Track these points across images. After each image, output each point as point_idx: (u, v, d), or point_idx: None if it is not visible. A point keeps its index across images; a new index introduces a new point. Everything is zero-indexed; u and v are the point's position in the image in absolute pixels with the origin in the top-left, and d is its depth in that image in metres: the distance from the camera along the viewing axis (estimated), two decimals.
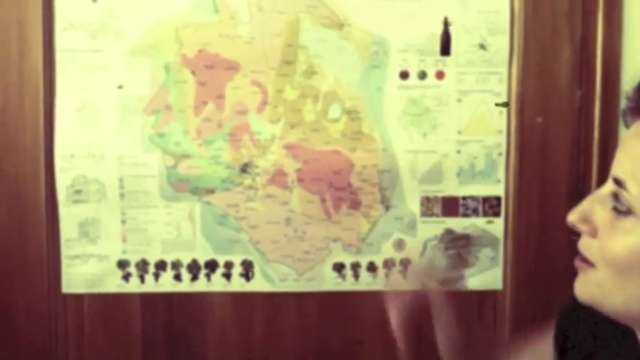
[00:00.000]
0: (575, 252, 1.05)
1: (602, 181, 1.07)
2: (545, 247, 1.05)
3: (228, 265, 1.04)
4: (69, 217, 1.02)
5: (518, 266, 1.06)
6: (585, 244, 0.60)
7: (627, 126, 0.61)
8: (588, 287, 0.61)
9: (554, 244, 1.05)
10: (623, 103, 0.63)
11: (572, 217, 0.61)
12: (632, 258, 0.55)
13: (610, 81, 1.03)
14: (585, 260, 0.60)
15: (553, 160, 1.04)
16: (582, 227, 0.60)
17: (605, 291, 0.58)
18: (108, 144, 1.01)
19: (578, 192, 1.04)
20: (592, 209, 0.60)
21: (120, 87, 1.00)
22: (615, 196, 0.57)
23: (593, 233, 0.59)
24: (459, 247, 1.05)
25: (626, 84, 1.03)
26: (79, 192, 1.02)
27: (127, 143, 1.01)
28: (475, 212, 1.05)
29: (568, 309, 0.79)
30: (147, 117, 1.01)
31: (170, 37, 1.00)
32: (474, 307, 1.08)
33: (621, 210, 0.56)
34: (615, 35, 1.02)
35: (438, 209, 1.04)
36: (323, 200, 1.03)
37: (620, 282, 0.57)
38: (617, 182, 0.57)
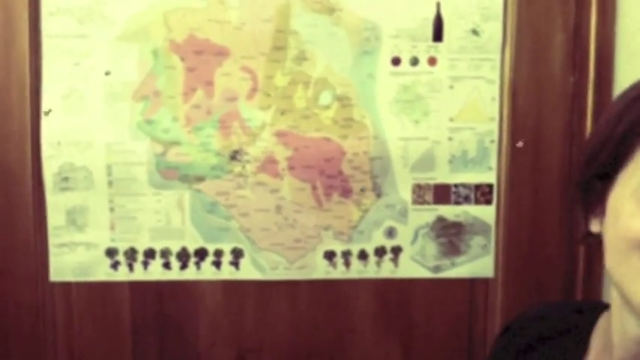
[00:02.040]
0: (568, 241, 1.05)
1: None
2: (537, 234, 1.05)
3: (218, 254, 1.03)
4: (56, 205, 1.01)
5: (509, 254, 1.05)
6: None
7: None
8: None
9: (546, 231, 1.05)
10: None
11: None
12: None
13: (603, 68, 1.02)
14: None
15: (545, 148, 1.04)
16: None
17: None
18: (95, 131, 1.00)
19: (571, 179, 1.04)
20: None
21: (107, 73, 0.99)
22: None
23: None
24: (451, 234, 1.04)
25: (620, 71, 1.03)
26: (66, 179, 1.00)
27: (115, 130, 1.00)
28: (467, 200, 1.04)
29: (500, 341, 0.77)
30: (135, 103, 0.99)
31: (158, 22, 0.98)
32: (466, 294, 1.07)
33: None
34: (609, 22, 1.01)
35: (429, 197, 1.03)
36: (314, 188, 1.03)
37: None
38: None
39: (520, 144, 1.00)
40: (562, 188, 1.05)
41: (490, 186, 1.04)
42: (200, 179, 1.01)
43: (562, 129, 1.03)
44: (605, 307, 0.69)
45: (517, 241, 1.05)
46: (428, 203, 1.04)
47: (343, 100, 1.01)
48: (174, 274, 1.04)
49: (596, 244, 0.62)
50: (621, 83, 1.02)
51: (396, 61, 1.01)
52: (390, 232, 1.04)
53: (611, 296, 0.61)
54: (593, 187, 0.59)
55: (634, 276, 0.53)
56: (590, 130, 1.02)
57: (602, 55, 1.01)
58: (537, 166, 1.04)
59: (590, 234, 0.61)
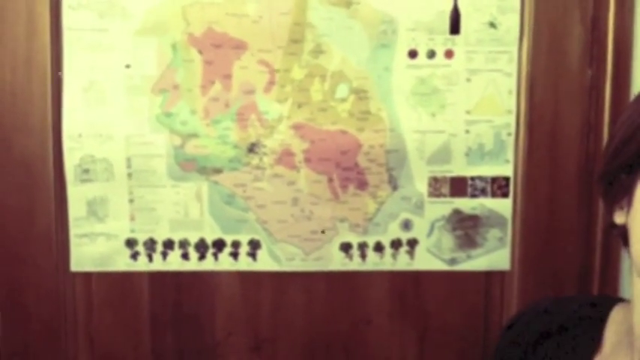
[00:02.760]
0: (585, 233, 1.05)
1: None
2: (553, 227, 1.05)
3: (236, 245, 1.05)
4: (77, 196, 1.03)
5: (526, 247, 1.05)
6: None
7: None
8: None
9: (563, 224, 1.05)
10: None
11: None
12: None
13: (621, 61, 1.01)
14: None
15: (563, 141, 1.03)
16: None
17: None
18: (115, 124, 1.01)
19: (588, 172, 1.04)
20: None
21: (127, 66, 1.00)
22: None
23: None
24: (467, 227, 1.05)
25: (638, 64, 1.02)
26: (86, 171, 1.02)
27: (135, 123, 1.01)
28: (483, 192, 1.04)
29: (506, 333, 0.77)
30: (154, 97, 1.01)
31: (177, 16, 0.99)
32: (482, 287, 1.08)
33: None
34: (627, 14, 1.01)
35: (445, 189, 1.04)
36: (330, 180, 1.03)
37: None
38: None
39: None
40: (579, 181, 1.04)
41: (507, 179, 1.04)
42: (218, 171, 1.03)
43: (579, 122, 1.03)
44: (616, 300, 0.69)
45: (533, 234, 1.05)
46: (444, 196, 1.04)
47: (360, 93, 1.01)
48: (193, 264, 1.05)
49: (616, 235, 0.62)
50: (639, 76, 1.02)
51: (412, 54, 1.01)
52: (406, 225, 1.05)
53: (635, 287, 0.61)
54: (618, 179, 0.59)
55: None
56: (614, 123, 1.01)
57: (620, 48, 1.01)
58: (554, 159, 1.04)
59: (613, 225, 0.61)
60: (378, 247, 1.05)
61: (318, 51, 1.01)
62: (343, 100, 1.02)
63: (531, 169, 1.04)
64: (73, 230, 1.04)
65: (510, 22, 1.01)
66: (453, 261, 1.06)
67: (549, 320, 0.71)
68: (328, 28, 1.00)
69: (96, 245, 1.04)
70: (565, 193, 1.04)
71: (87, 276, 1.06)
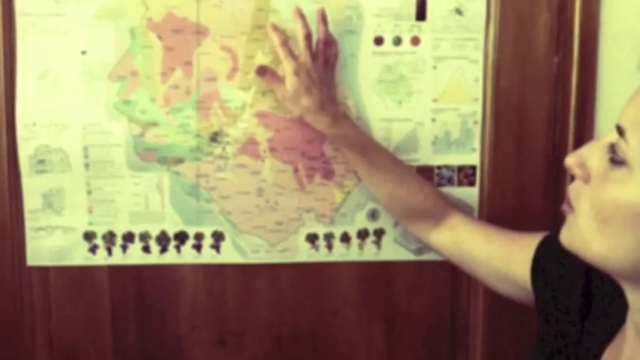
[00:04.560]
0: (552, 221, 1.05)
1: (578, 148, 1.06)
2: (520, 215, 1.04)
3: (199, 237, 1.02)
4: (32, 187, 0.99)
5: None
6: (576, 189, 0.60)
7: None
8: (571, 232, 0.60)
9: (530, 212, 1.04)
10: None
11: (570, 160, 0.60)
12: (616, 210, 0.55)
13: (588, 48, 1.01)
14: (570, 204, 0.60)
15: (529, 129, 1.03)
16: (577, 171, 0.59)
17: (586, 238, 0.58)
18: (71, 112, 0.97)
19: (555, 160, 1.03)
20: (590, 155, 0.59)
21: (83, 52, 0.96)
22: (612, 146, 0.56)
23: (586, 179, 0.58)
24: None
25: (604, 51, 1.02)
26: (42, 162, 0.98)
27: (92, 111, 0.97)
28: (450, 181, 1.03)
29: (550, 243, 0.79)
30: (112, 84, 0.97)
31: (136, 1, 0.95)
32: (448, 276, 1.07)
33: (616, 160, 0.55)
34: (593, 1, 1.00)
35: None
36: (295, 170, 1.01)
37: (601, 232, 0.56)
38: (619, 131, 0.56)
39: None
40: (546, 169, 1.04)
41: (473, 167, 1.03)
42: (179, 161, 1.00)
43: (546, 109, 1.03)
44: None
45: (500, 223, 1.03)
46: None
47: None
48: (154, 258, 1.02)
49: None
50: (605, 64, 1.02)
51: (378, 41, 0.99)
52: (373, 215, 1.03)
53: None
54: None
55: None
56: (580, 110, 1.01)
57: (587, 35, 1.00)
58: (521, 148, 1.03)
59: None
60: (345, 238, 1.04)
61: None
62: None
63: (498, 158, 1.03)
64: (29, 223, 1.00)
65: (477, 9, 0.99)
66: (419, 251, 1.05)
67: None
68: (292, 14, 0.97)
69: (53, 239, 1.00)
70: (532, 181, 1.04)
71: (44, 270, 1.02)
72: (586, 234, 0.58)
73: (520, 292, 0.83)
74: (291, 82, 0.92)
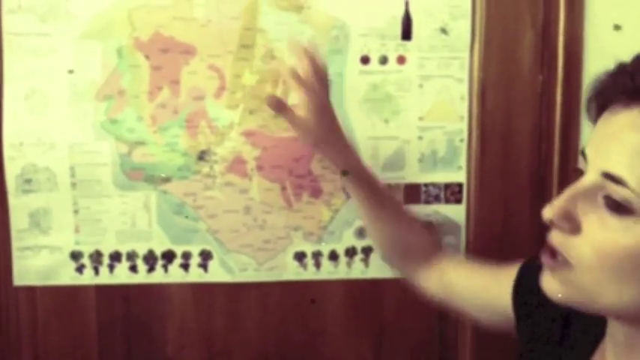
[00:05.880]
0: (538, 239, 1.05)
1: (563, 167, 1.07)
2: (507, 233, 1.05)
3: (186, 256, 1.02)
4: (19, 207, 0.98)
5: (480, 252, 1.05)
6: (562, 242, 0.55)
7: (598, 113, 0.58)
8: (566, 287, 0.56)
9: (517, 230, 1.05)
10: (589, 92, 0.60)
11: (550, 213, 0.55)
12: (628, 257, 0.51)
13: (572, 66, 1.02)
14: (554, 256, 0.56)
15: (515, 146, 1.04)
16: (562, 224, 0.54)
17: (594, 292, 0.54)
18: (58, 131, 0.97)
19: (540, 178, 1.04)
20: (574, 205, 0.54)
21: (70, 72, 0.97)
22: (607, 196, 0.52)
23: (576, 230, 0.54)
24: None
25: (588, 69, 1.03)
26: (28, 181, 0.98)
27: (79, 130, 0.97)
28: (437, 199, 1.04)
29: (529, 269, 0.79)
30: (99, 103, 0.97)
31: (123, 20, 0.96)
32: None
33: (617, 207, 0.52)
34: (577, 19, 1.01)
35: (399, 196, 1.03)
36: (283, 188, 1.01)
37: (611, 282, 0.53)
38: (610, 177, 0.52)
39: None
40: (531, 186, 1.05)
41: (460, 185, 1.04)
42: (166, 180, 1.00)
43: (531, 127, 1.03)
44: None
45: (487, 240, 1.05)
46: None
47: None
48: (141, 277, 1.02)
49: None
50: (590, 81, 1.02)
51: (365, 60, 1.00)
52: (361, 232, 1.04)
53: None
54: None
55: None
56: (565, 128, 1.02)
57: (571, 54, 1.02)
58: (506, 165, 1.04)
59: None
60: (333, 256, 1.04)
61: (269, 56, 0.99)
62: (296, 106, 0.99)
63: (484, 175, 1.04)
64: (15, 243, 1.00)
65: (462, 28, 1.00)
66: None
67: None
68: (279, 33, 0.98)
69: (39, 258, 1.00)
70: (518, 199, 1.05)
71: (31, 290, 1.02)
72: (595, 287, 0.54)
73: (505, 322, 0.81)
74: (305, 111, 0.85)
